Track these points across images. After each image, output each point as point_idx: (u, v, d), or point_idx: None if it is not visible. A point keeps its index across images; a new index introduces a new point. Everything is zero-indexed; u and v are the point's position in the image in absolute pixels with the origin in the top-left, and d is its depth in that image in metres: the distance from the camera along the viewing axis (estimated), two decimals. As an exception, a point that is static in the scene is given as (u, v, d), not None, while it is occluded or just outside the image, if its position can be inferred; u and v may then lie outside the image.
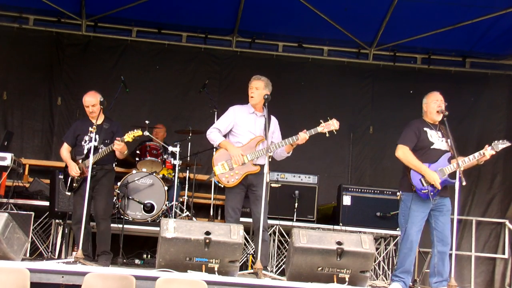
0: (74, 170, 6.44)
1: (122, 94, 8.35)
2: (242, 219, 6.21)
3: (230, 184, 6.08)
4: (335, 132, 6.05)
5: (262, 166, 5.96)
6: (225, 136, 6.24)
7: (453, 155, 5.95)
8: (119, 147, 6.21)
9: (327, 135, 6.04)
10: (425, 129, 6.07)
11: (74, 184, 6.47)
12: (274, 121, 6.33)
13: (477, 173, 9.18)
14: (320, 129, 6.03)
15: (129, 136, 6.20)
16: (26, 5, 9.21)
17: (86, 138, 6.46)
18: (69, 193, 6.64)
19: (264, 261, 5.94)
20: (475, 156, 5.92)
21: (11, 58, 9.27)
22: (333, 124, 6.04)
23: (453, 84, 9.62)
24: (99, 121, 6.48)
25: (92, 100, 6.47)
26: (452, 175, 5.87)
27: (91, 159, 6.16)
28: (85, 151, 6.42)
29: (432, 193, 5.88)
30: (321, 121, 6.04)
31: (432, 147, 6.02)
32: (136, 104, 9.32)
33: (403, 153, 6.01)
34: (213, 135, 6.21)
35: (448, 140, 6.02)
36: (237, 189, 6.10)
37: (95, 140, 6.27)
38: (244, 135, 6.17)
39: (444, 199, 5.99)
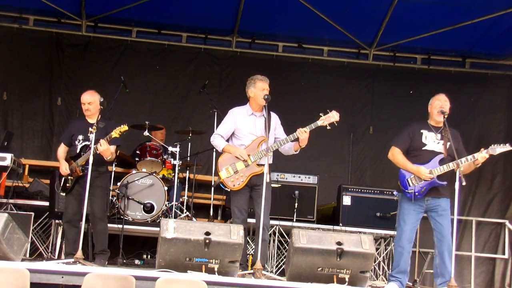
0: (63, 169, 6.50)
1: (122, 94, 8.36)
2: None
3: (236, 188, 6.09)
4: (336, 124, 5.99)
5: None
6: (228, 140, 6.26)
7: (446, 157, 5.93)
8: (101, 148, 6.07)
9: (328, 127, 5.98)
10: (422, 131, 6.06)
11: (67, 184, 6.48)
12: (274, 117, 6.32)
13: (477, 173, 9.16)
14: (320, 122, 5.97)
15: (116, 132, 6.10)
16: (26, 6, 9.20)
17: (80, 137, 6.44)
18: (63, 194, 6.64)
19: (261, 261, 5.94)
20: (468, 159, 5.86)
21: (11, 58, 9.26)
22: (333, 116, 5.96)
23: (453, 84, 9.60)
24: (94, 120, 6.39)
25: (88, 98, 6.49)
26: (441, 177, 5.88)
27: (85, 158, 6.16)
28: (78, 151, 6.43)
29: (417, 193, 5.88)
30: (320, 114, 5.99)
31: (424, 148, 6.01)
32: (136, 104, 9.31)
33: (392, 154, 6.09)
34: (217, 140, 6.26)
35: (448, 143, 5.97)
36: (242, 190, 6.11)
37: (89, 141, 6.25)
38: (246, 137, 6.19)
39: (437, 200, 5.95)
